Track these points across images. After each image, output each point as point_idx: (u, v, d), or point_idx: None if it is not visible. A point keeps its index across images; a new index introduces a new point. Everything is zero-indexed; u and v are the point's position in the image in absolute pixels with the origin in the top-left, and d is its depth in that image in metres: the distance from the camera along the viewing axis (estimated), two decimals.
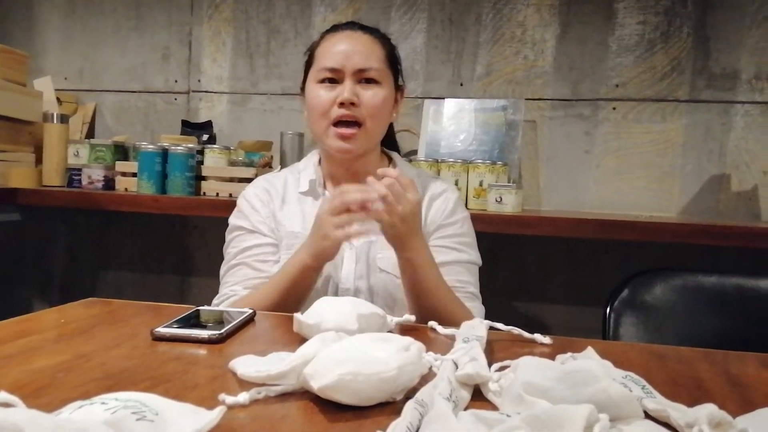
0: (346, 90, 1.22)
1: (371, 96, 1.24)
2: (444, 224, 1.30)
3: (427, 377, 0.67)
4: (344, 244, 1.27)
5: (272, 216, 1.31)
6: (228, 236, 1.34)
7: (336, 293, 1.27)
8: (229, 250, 1.32)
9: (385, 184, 1.08)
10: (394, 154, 1.40)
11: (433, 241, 1.29)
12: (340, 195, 1.10)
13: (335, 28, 1.31)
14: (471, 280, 1.30)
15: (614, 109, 2.20)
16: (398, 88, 1.34)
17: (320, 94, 1.25)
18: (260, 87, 2.47)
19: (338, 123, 1.24)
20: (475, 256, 1.33)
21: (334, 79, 1.25)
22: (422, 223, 1.28)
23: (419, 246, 1.14)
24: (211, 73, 2.52)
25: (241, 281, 1.26)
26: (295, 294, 1.17)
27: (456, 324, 1.01)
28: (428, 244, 1.28)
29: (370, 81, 1.25)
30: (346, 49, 1.25)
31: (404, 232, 1.11)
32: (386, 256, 1.25)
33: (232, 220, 1.33)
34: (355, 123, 1.24)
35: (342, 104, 1.22)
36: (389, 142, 1.42)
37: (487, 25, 2.29)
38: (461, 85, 2.31)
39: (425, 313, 1.11)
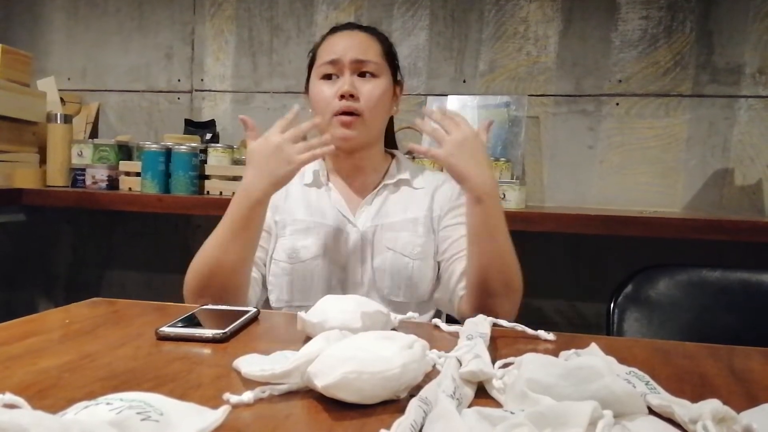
0: (345, 83, 1.26)
1: (370, 89, 1.28)
2: (455, 205, 1.32)
3: (430, 375, 0.67)
4: (350, 228, 1.30)
5: (275, 207, 1.32)
6: None
7: (341, 275, 1.29)
8: None
9: (435, 119, 1.13)
10: (397, 152, 1.44)
11: (447, 221, 1.31)
12: (288, 122, 1.15)
13: (334, 29, 1.35)
14: None
15: (617, 104, 2.20)
16: (397, 83, 1.37)
17: (322, 90, 1.29)
18: (263, 85, 2.47)
19: (339, 113, 1.27)
20: None
21: (335, 75, 1.28)
22: (430, 211, 1.32)
23: (484, 180, 1.11)
24: (214, 72, 2.52)
25: None
26: (246, 236, 1.16)
27: (515, 277, 1.13)
28: (442, 225, 1.31)
29: (368, 75, 1.29)
30: (344, 44, 1.30)
31: (464, 160, 1.11)
32: (394, 236, 1.29)
33: None
34: (354, 114, 1.27)
35: (342, 96, 1.26)
36: (389, 138, 1.44)
37: (490, 21, 2.28)
38: (464, 81, 2.31)
39: (490, 257, 1.13)
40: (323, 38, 1.35)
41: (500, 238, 1.14)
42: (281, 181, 1.14)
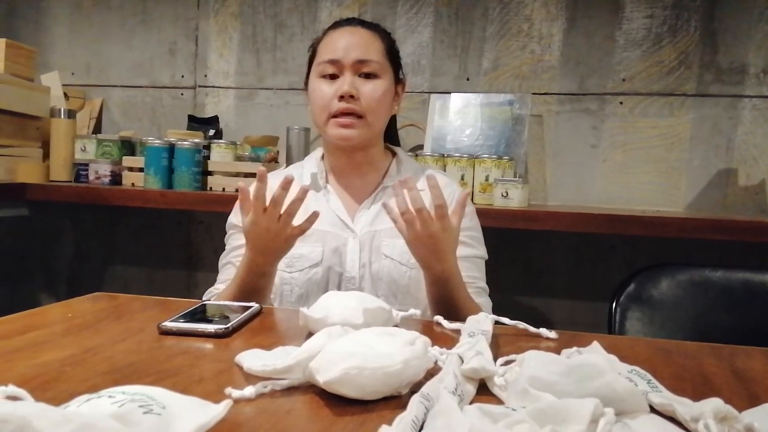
0: (345, 83, 1.24)
1: (371, 90, 1.26)
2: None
3: (432, 371, 0.67)
4: (348, 234, 1.29)
5: None
6: (227, 232, 1.36)
7: (339, 281, 1.28)
8: (226, 246, 1.35)
9: (414, 207, 1.05)
10: (398, 150, 1.41)
11: None
12: (259, 197, 1.08)
13: (336, 25, 1.33)
14: (479, 275, 1.31)
15: (621, 103, 2.19)
16: (399, 81, 1.35)
17: (322, 88, 1.27)
18: (267, 82, 2.47)
19: (338, 115, 1.25)
20: (482, 250, 1.33)
21: (335, 74, 1.26)
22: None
23: (445, 267, 1.12)
24: (217, 68, 2.52)
25: (225, 280, 1.28)
26: (261, 294, 1.18)
27: (471, 314, 1.04)
28: None
29: (369, 75, 1.27)
30: (345, 42, 1.27)
31: (425, 253, 1.10)
32: (391, 243, 1.27)
33: (230, 217, 1.35)
34: (354, 115, 1.25)
35: (342, 97, 1.24)
36: (391, 136, 1.43)
37: (494, 19, 2.28)
38: (467, 79, 2.31)
39: (445, 309, 1.14)
40: (324, 33, 1.33)
41: (457, 304, 1.16)
42: (284, 254, 1.15)
